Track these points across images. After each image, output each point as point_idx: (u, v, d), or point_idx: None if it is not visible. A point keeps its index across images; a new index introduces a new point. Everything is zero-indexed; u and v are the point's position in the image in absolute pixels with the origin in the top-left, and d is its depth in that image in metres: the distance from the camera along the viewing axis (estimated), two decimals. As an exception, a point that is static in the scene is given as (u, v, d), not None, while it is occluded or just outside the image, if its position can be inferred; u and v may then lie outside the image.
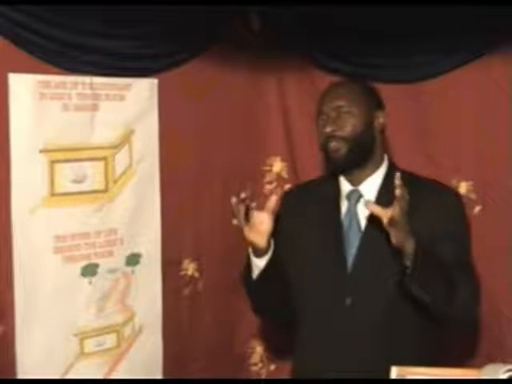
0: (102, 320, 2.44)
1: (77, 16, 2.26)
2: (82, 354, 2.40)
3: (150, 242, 2.57)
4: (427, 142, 2.69)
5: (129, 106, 2.47)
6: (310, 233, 2.22)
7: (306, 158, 2.89)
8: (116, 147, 2.45)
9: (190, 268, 2.75)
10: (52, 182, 2.30)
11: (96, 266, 2.42)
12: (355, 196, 2.19)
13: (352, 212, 2.18)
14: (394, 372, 1.78)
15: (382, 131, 2.21)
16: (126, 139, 2.48)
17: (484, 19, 2.43)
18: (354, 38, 2.66)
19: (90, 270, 2.41)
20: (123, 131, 2.47)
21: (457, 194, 2.27)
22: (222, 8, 2.45)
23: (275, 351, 2.97)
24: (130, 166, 2.50)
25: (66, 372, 2.35)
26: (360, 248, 2.13)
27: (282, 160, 2.95)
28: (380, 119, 2.18)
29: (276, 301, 2.23)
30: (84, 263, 2.39)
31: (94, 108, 2.38)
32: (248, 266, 2.19)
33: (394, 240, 1.93)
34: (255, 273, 2.16)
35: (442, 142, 2.66)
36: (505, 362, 1.92)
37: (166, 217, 2.60)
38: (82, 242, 2.38)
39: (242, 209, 2.08)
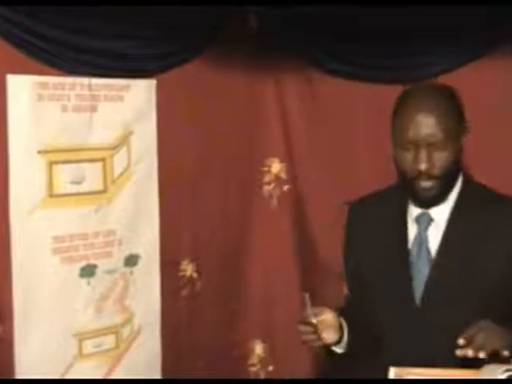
0: (100, 321, 2.45)
1: (75, 16, 2.26)
2: (80, 355, 2.41)
3: (148, 242, 2.58)
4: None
5: (127, 107, 2.48)
6: (374, 256, 2.05)
7: (305, 159, 2.91)
8: (114, 148, 2.46)
9: (188, 269, 2.76)
10: (50, 183, 2.30)
11: (94, 266, 2.43)
12: (425, 219, 2.00)
13: (422, 238, 1.99)
14: (393, 372, 1.76)
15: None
16: (124, 140, 2.48)
17: (484, 20, 2.43)
18: (354, 38, 2.66)
19: (88, 271, 2.41)
20: (122, 132, 2.47)
21: None
22: (219, 8, 2.44)
23: (273, 352, 2.98)
24: (129, 166, 2.50)
25: (65, 373, 2.36)
26: (429, 280, 1.96)
27: (281, 161, 2.94)
28: (464, 141, 1.98)
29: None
30: (82, 264, 2.40)
31: (93, 109, 2.39)
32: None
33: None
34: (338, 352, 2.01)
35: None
36: (504, 362, 1.93)
37: (165, 217, 2.61)
38: (80, 243, 2.39)
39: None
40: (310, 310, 1.91)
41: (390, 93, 2.64)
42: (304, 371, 2.86)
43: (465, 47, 2.55)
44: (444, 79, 2.55)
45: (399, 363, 1.81)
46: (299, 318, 1.92)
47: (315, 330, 1.90)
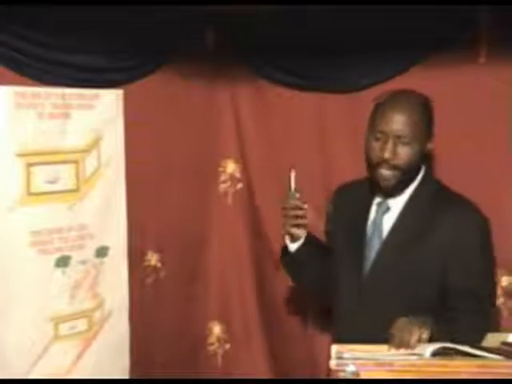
0: (74, 306, 2.53)
1: (52, 34, 2.39)
2: (56, 336, 2.49)
3: (116, 236, 2.66)
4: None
5: (97, 115, 2.55)
6: (343, 230, 2.31)
7: (256, 160, 3.04)
8: (86, 151, 2.54)
9: (152, 259, 2.87)
10: (28, 183, 2.37)
11: (68, 257, 2.51)
12: (383, 208, 2.23)
13: (377, 223, 2.23)
14: (334, 349, 1.86)
15: (428, 155, 2.23)
16: (95, 144, 2.56)
17: (411, 35, 2.56)
18: (296, 52, 2.79)
19: (63, 262, 2.50)
20: (92, 137, 2.55)
21: (480, 213, 2.17)
22: (178, 24, 2.60)
23: (230, 332, 3.09)
24: (99, 168, 2.58)
25: (44, 352, 2.45)
26: (376, 260, 2.18)
27: (235, 162, 3.06)
28: (430, 146, 2.19)
29: (312, 274, 2.41)
30: (58, 255, 2.48)
31: (66, 116, 2.46)
32: (285, 249, 2.41)
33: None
34: (289, 252, 2.37)
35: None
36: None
37: (131, 213, 2.68)
38: (55, 237, 2.47)
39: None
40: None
41: (330, 100, 2.79)
42: (257, 348, 3.01)
43: (396, 60, 2.66)
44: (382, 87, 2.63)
45: (345, 332, 2.07)
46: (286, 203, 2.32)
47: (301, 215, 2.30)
